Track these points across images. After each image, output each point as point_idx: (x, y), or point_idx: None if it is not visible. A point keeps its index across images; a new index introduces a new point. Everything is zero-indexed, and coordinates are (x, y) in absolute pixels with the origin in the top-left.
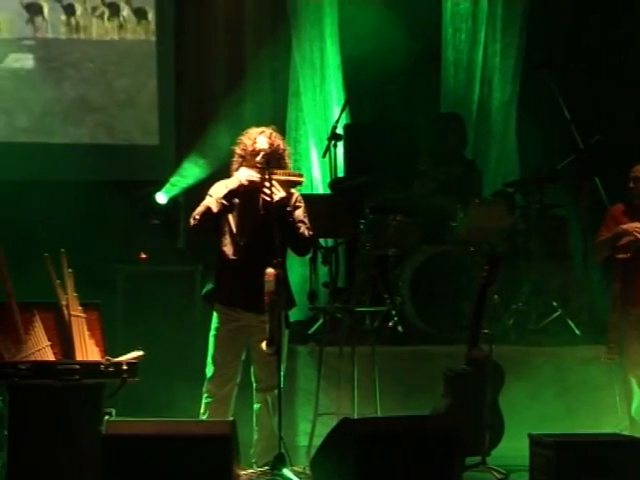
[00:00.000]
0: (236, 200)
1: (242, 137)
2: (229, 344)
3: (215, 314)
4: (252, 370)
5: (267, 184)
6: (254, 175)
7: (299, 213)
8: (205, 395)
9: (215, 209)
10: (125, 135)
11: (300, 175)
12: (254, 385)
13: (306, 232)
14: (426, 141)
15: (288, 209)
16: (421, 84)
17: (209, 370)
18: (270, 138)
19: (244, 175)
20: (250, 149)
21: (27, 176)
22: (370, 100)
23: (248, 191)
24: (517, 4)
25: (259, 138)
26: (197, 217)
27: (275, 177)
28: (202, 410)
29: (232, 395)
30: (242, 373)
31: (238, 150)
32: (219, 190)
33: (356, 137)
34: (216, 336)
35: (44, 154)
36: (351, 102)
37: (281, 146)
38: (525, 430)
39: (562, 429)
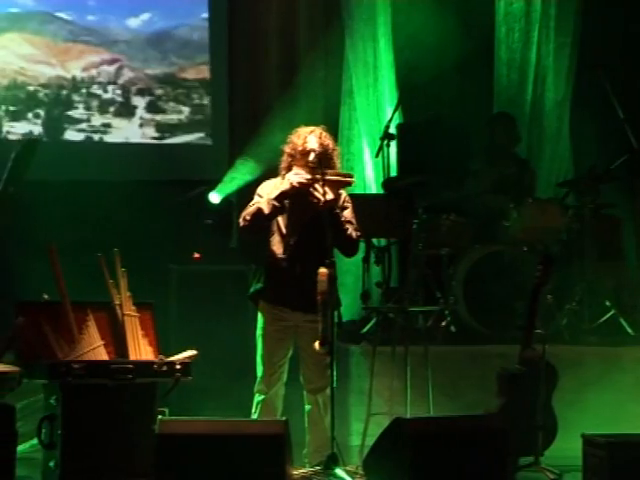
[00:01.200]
0: (286, 201)
1: (292, 136)
2: (277, 344)
3: (260, 314)
4: (301, 371)
5: (317, 185)
6: (305, 176)
7: (347, 214)
8: (256, 394)
9: (267, 210)
10: (179, 135)
11: (350, 176)
12: (304, 386)
13: (354, 233)
14: (479, 140)
15: (336, 210)
16: (474, 83)
17: (259, 369)
18: (320, 138)
19: (295, 177)
20: (300, 148)
21: (82, 176)
22: (423, 99)
23: (298, 191)
24: (571, 3)
25: (309, 137)
26: (247, 218)
27: (326, 177)
28: (253, 409)
29: (281, 394)
30: (292, 373)
31: (287, 149)
32: (268, 190)
33: (409, 136)
34: (263, 336)
35: (99, 154)
36: (404, 102)
37: (331, 146)
38: (578, 430)
39: (615, 429)
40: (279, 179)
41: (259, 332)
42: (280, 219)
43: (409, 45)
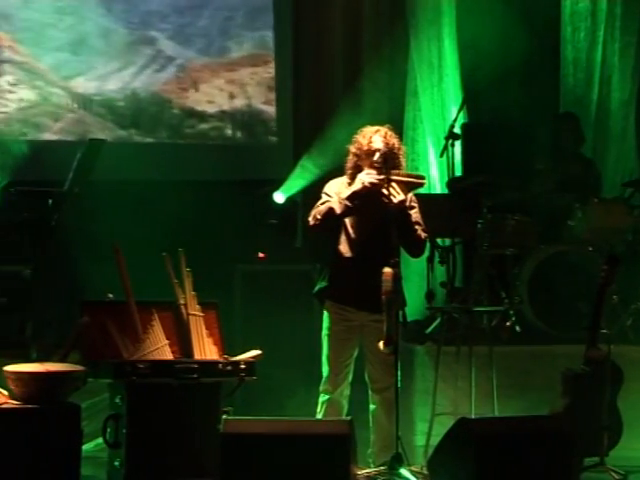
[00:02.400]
0: (355, 201)
1: (357, 136)
2: (342, 343)
3: (326, 313)
4: (366, 370)
5: (387, 185)
6: (377, 176)
7: (414, 214)
8: (322, 394)
9: (338, 210)
10: (244, 135)
11: (422, 177)
12: (369, 385)
13: (422, 233)
14: (544, 140)
15: (406, 210)
16: (539, 83)
17: (324, 369)
18: (385, 137)
19: (367, 177)
20: (365, 148)
21: (147, 176)
22: (488, 99)
23: (369, 191)
24: (636, 2)
25: (374, 137)
26: (318, 217)
27: (396, 178)
28: (318, 409)
29: (346, 394)
30: (357, 373)
31: (353, 149)
32: (335, 189)
33: (474, 136)
34: (329, 335)
35: (165, 154)
36: (468, 101)
37: (396, 145)
38: None
39: None
40: (345, 178)
41: (325, 332)
42: (348, 219)
43: (474, 45)
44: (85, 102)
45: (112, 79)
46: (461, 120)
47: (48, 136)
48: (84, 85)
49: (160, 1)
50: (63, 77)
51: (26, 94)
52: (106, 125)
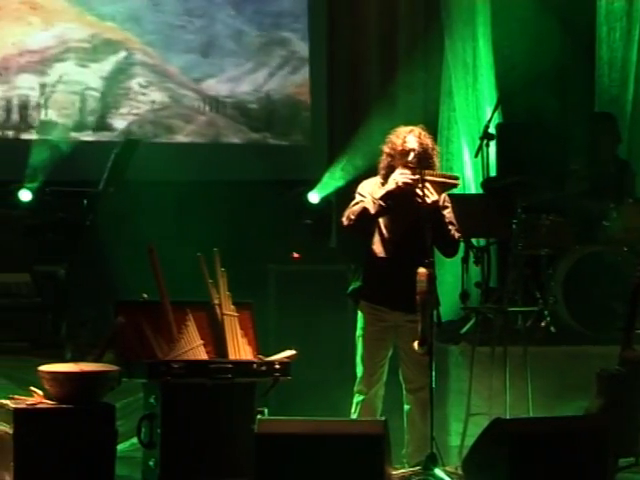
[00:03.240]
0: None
1: (391, 136)
2: (377, 344)
3: (360, 313)
4: (400, 371)
5: (421, 186)
6: (411, 176)
7: (448, 214)
8: (356, 394)
9: (372, 210)
10: (278, 135)
11: (456, 178)
12: (403, 386)
13: (456, 234)
14: (579, 140)
15: (439, 210)
16: (574, 83)
17: (359, 370)
18: (419, 137)
19: (401, 177)
20: (399, 148)
21: (181, 176)
22: (522, 99)
23: (403, 191)
24: None
25: (408, 137)
26: (352, 217)
27: (430, 178)
28: (353, 409)
29: (380, 394)
30: (392, 373)
31: (387, 149)
32: (369, 189)
33: (508, 136)
34: (363, 336)
35: (199, 154)
36: (503, 101)
37: (430, 145)
38: None
39: None
40: (378, 178)
41: (359, 332)
42: (381, 219)
43: (509, 45)
44: (217, 104)
45: (244, 81)
46: (496, 120)
47: (180, 138)
48: (215, 87)
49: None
50: (194, 79)
51: (157, 96)
52: (238, 128)
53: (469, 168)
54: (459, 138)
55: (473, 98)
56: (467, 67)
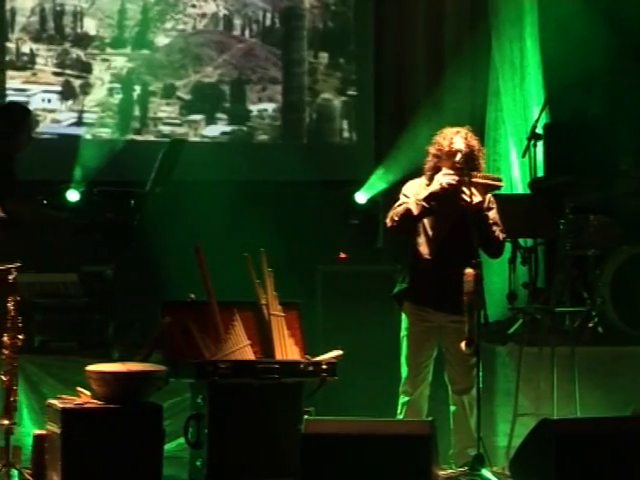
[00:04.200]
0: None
1: (437, 137)
2: (421, 345)
3: (405, 314)
4: (446, 372)
5: (468, 186)
6: (454, 177)
7: (492, 215)
8: (402, 395)
9: (416, 211)
10: (325, 135)
11: (500, 180)
12: (449, 387)
13: (500, 234)
14: (627, 140)
15: (483, 212)
16: (623, 83)
17: (404, 370)
18: (466, 138)
19: (445, 178)
20: (446, 149)
21: (228, 176)
22: (570, 99)
23: (447, 192)
24: None
25: (455, 138)
26: (396, 218)
27: (475, 180)
28: (399, 410)
29: (426, 395)
30: (437, 374)
31: (433, 150)
32: (413, 190)
33: (556, 136)
34: (408, 337)
35: (245, 154)
36: (551, 101)
37: (476, 146)
38: None
39: None
40: (423, 179)
41: (403, 333)
42: (426, 220)
43: (556, 44)
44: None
45: None
46: (543, 120)
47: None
48: None
49: None
50: None
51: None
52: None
53: (516, 168)
54: (506, 138)
55: (520, 98)
56: (514, 67)
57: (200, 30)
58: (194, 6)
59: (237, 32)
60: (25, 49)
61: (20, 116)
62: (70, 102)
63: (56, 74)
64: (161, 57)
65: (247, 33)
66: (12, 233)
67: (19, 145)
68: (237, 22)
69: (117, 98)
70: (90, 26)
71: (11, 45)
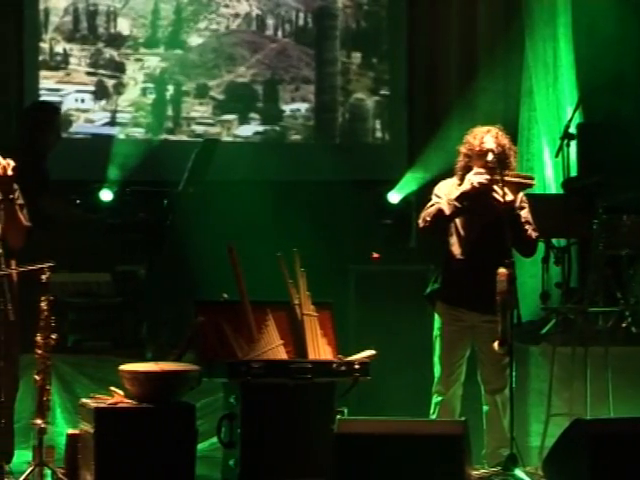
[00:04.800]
0: (465, 202)
1: (468, 137)
2: (454, 344)
3: (437, 314)
4: (479, 371)
5: (498, 185)
6: (486, 176)
7: (524, 214)
8: (434, 395)
9: (447, 211)
10: (357, 135)
11: (531, 178)
12: (482, 387)
13: (533, 233)
14: None
15: (515, 211)
16: None
17: (436, 370)
18: (497, 138)
19: (476, 177)
20: (477, 149)
21: (261, 176)
22: (604, 99)
23: (478, 192)
24: None
25: (486, 137)
26: (428, 219)
27: (506, 179)
28: (432, 410)
29: (459, 395)
30: (470, 374)
31: (464, 149)
32: (445, 190)
33: (589, 136)
34: (441, 337)
35: (276, 154)
36: (584, 101)
37: (507, 145)
38: None
39: None
40: (455, 179)
41: (436, 333)
42: (458, 220)
43: (590, 44)
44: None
45: None
46: (576, 120)
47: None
48: None
49: None
50: None
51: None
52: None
53: (550, 168)
54: (539, 138)
55: (554, 98)
56: (548, 67)
57: (233, 30)
58: (227, 6)
59: (270, 32)
60: (58, 49)
61: (48, 115)
62: (103, 102)
63: (89, 74)
64: (194, 57)
65: (280, 33)
66: (45, 233)
67: (48, 144)
68: (270, 22)
69: (150, 98)
70: (123, 26)
71: (44, 45)
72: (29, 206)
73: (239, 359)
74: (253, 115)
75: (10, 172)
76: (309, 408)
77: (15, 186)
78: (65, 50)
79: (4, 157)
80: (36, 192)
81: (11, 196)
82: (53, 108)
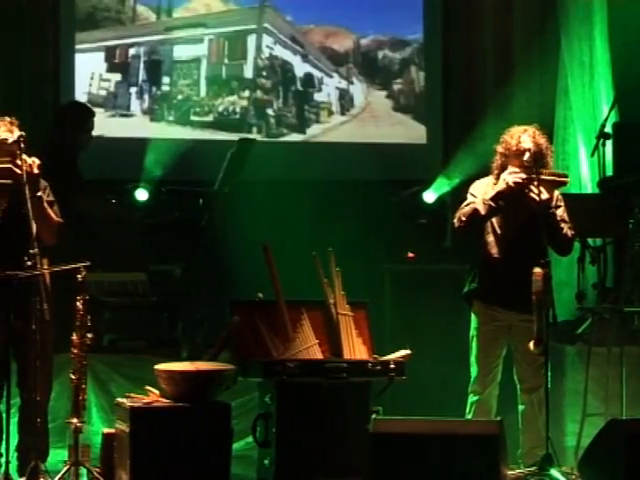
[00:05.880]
0: (501, 201)
1: (504, 136)
2: (491, 344)
3: (474, 314)
4: (515, 371)
5: (534, 184)
6: (521, 175)
7: (560, 212)
8: (471, 395)
9: (483, 211)
10: (394, 134)
11: (566, 176)
12: (518, 386)
13: (569, 232)
14: None
15: (551, 209)
16: None
17: (473, 370)
18: (534, 137)
19: (511, 176)
20: (514, 148)
21: (296, 175)
22: None
23: (514, 191)
24: None
25: (523, 137)
26: (463, 219)
27: (541, 177)
28: (468, 409)
29: (495, 394)
30: (506, 374)
31: (500, 149)
32: (481, 190)
33: (625, 135)
34: (477, 336)
35: (314, 153)
36: (620, 100)
37: (544, 145)
38: None
39: None
40: (491, 178)
41: (473, 332)
42: (494, 219)
43: (626, 43)
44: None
45: None
46: (612, 119)
47: None
48: None
49: None
50: None
51: None
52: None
53: (585, 167)
54: (575, 137)
55: (589, 97)
56: (584, 66)
57: None
58: None
59: None
60: None
61: (79, 114)
62: (139, 101)
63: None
64: None
65: None
66: (82, 232)
67: (79, 143)
68: None
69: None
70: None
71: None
72: (63, 205)
73: (274, 358)
74: None
75: (36, 170)
76: (344, 408)
77: (44, 183)
78: None
79: (37, 155)
80: (71, 191)
81: (39, 193)
82: (84, 107)
